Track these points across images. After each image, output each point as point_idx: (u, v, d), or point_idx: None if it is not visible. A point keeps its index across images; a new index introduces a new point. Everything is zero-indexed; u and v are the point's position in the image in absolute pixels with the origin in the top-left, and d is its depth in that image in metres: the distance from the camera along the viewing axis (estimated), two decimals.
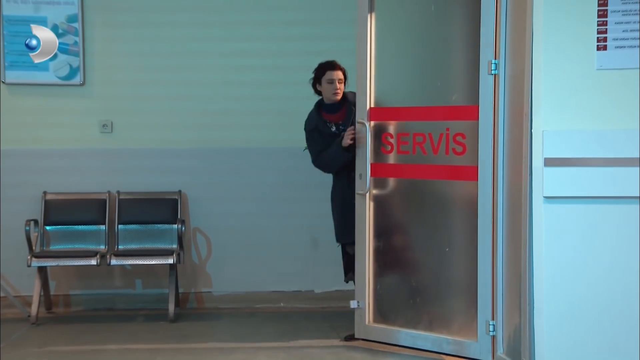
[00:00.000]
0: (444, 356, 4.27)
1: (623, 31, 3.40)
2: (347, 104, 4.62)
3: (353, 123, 4.52)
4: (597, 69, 3.44)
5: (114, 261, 5.24)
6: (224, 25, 5.63)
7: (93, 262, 5.19)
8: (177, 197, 5.58)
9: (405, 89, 4.40)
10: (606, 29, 3.41)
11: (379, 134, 4.45)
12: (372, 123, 4.47)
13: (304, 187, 5.67)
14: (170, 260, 5.23)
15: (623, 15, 3.39)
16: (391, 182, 4.48)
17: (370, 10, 4.45)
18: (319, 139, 4.67)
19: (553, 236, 3.48)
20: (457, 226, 4.23)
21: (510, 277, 3.91)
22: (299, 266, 5.69)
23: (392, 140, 4.39)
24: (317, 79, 4.67)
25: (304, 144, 5.70)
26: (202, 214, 5.66)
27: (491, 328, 4.04)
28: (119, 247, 5.48)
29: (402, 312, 4.43)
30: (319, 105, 4.71)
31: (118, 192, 5.57)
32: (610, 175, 3.43)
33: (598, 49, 3.43)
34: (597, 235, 3.49)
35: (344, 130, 4.58)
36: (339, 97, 4.59)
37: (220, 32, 5.62)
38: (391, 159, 4.44)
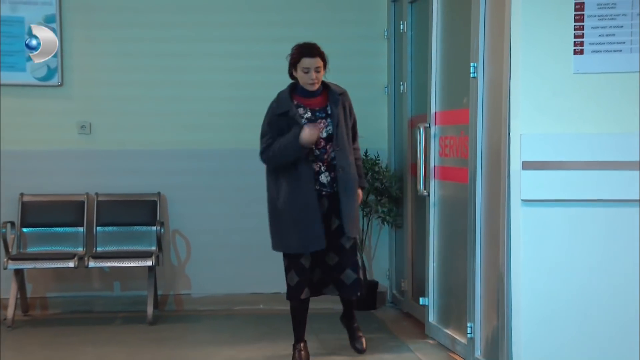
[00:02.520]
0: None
1: (599, 36, 3.44)
2: (330, 91, 4.15)
3: (335, 116, 4.09)
4: (574, 73, 3.47)
5: (92, 263, 5.20)
6: (203, 26, 5.61)
7: (71, 264, 5.15)
8: (156, 199, 5.55)
9: (455, 94, 4.40)
10: (583, 33, 3.44)
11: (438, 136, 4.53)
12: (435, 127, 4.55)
13: None
14: (149, 263, 5.20)
15: (599, 20, 3.43)
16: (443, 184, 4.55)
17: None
18: (283, 126, 4.08)
19: (531, 239, 3.51)
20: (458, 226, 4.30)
21: (489, 279, 3.93)
22: (279, 268, 5.63)
23: (448, 143, 4.44)
24: (292, 65, 4.13)
25: None
26: (182, 216, 5.64)
27: (469, 330, 4.06)
28: (97, 249, 5.44)
29: None
30: (293, 87, 4.17)
31: (96, 194, 5.53)
32: (588, 179, 3.46)
33: (575, 53, 3.46)
34: (575, 239, 3.51)
35: (324, 118, 4.11)
36: (316, 87, 4.10)
37: (200, 33, 5.60)
38: (445, 162, 4.48)
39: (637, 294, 3.45)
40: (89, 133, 5.58)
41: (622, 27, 3.42)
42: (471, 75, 4.02)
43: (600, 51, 3.44)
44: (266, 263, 5.65)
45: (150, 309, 5.20)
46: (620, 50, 3.43)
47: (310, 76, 4.08)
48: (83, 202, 5.48)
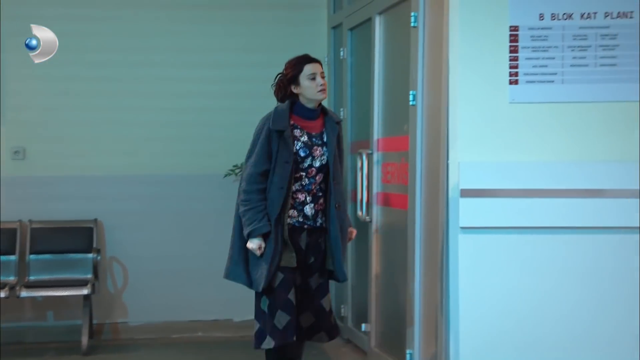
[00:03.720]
0: None
1: (533, 66, 3.52)
2: (328, 117, 3.73)
3: (331, 145, 3.68)
4: (510, 102, 3.54)
5: (24, 293, 5.05)
6: (140, 51, 5.55)
7: (2, 294, 4.99)
8: (92, 226, 5.43)
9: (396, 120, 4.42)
10: (517, 64, 3.52)
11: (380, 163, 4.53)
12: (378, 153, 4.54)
13: (223, 213, 5.59)
14: (85, 291, 5.08)
15: (533, 51, 3.51)
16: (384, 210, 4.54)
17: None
18: (274, 146, 3.58)
19: (469, 266, 3.54)
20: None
21: (428, 306, 3.95)
22: (218, 294, 5.60)
23: (390, 170, 4.44)
24: (292, 80, 3.66)
25: (224, 170, 5.70)
26: (119, 243, 5.53)
27: (408, 357, 4.07)
28: (30, 277, 5.28)
29: None
30: (292, 104, 3.68)
31: (30, 221, 5.38)
32: (525, 206, 3.52)
33: (510, 82, 3.54)
34: (513, 265, 3.56)
35: (320, 146, 3.67)
36: (325, 95, 3.68)
37: (137, 58, 5.54)
38: (386, 188, 4.48)
39: (575, 319, 3.51)
40: (23, 159, 5.44)
41: (554, 58, 3.51)
42: (410, 102, 4.07)
43: (534, 81, 3.52)
44: (205, 289, 5.59)
45: (85, 339, 5.06)
46: (553, 81, 3.52)
47: (319, 82, 3.65)
48: (15, 230, 5.32)
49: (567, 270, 3.52)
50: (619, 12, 3.47)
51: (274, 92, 3.71)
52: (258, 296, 3.69)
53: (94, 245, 5.36)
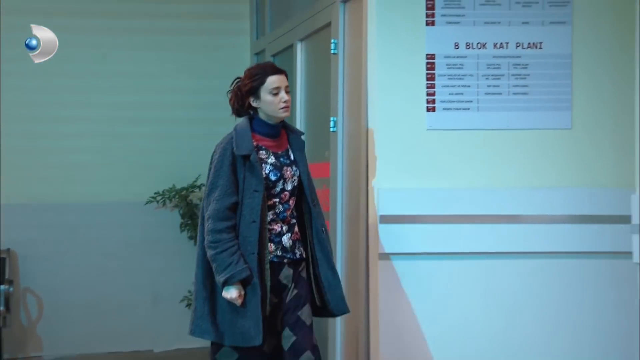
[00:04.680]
0: None
1: (449, 94, 3.58)
2: (291, 132, 3.29)
3: (301, 162, 3.24)
4: (428, 129, 3.59)
5: None
6: (63, 76, 5.41)
7: None
8: (4, 256, 5.23)
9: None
10: (434, 91, 3.58)
11: None
12: None
13: (143, 242, 5.50)
14: None
15: (449, 79, 3.58)
16: None
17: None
18: (239, 174, 3.09)
19: (388, 293, 3.55)
20: None
21: (349, 333, 3.94)
22: (138, 324, 5.48)
23: None
24: (251, 92, 3.16)
25: (145, 198, 5.59)
26: (33, 273, 5.33)
27: None
28: None
29: None
30: (250, 121, 3.20)
31: None
32: (443, 232, 3.55)
33: (428, 110, 3.59)
34: (432, 291, 3.58)
35: (289, 166, 3.21)
36: (289, 113, 3.19)
37: (50, 84, 5.40)
38: None
39: (496, 344, 3.55)
40: None
41: (469, 86, 3.58)
42: (331, 129, 4.08)
43: (451, 109, 3.59)
44: (124, 319, 5.45)
45: None
46: (468, 109, 3.59)
47: (283, 97, 3.14)
48: None
49: (486, 295, 3.56)
50: (529, 43, 3.57)
51: (229, 101, 3.22)
52: (216, 348, 3.12)
53: (6, 277, 5.16)
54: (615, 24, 3.54)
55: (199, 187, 5.53)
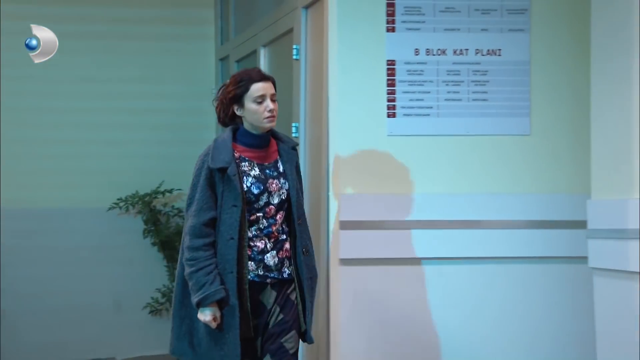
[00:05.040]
0: None
1: (410, 100, 3.60)
2: (282, 142, 3.06)
3: (290, 175, 3.02)
4: (388, 135, 3.60)
5: None
6: (26, 80, 5.34)
7: None
8: None
9: None
10: (395, 97, 3.60)
11: None
12: None
13: (105, 248, 5.45)
14: None
15: (409, 85, 3.59)
16: None
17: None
18: (217, 189, 2.91)
19: (349, 298, 3.55)
20: None
21: None
22: (100, 332, 5.42)
23: None
24: (235, 100, 2.96)
25: (106, 204, 5.55)
26: None
27: None
28: None
29: None
30: (234, 132, 3.00)
31: None
32: (403, 238, 3.56)
33: (388, 116, 3.60)
34: (392, 297, 3.59)
35: (276, 178, 2.99)
36: (274, 123, 2.98)
37: (24, 87, 5.33)
38: None
39: (454, 348, 3.56)
40: None
41: (429, 92, 3.60)
42: (293, 134, 4.08)
43: (411, 115, 3.60)
44: (86, 327, 5.37)
45: None
46: (429, 115, 3.61)
47: (268, 106, 2.93)
48: None
49: (445, 300, 3.58)
50: (488, 50, 3.61)
51: (216, 109, 3.03)
52: None
53: None
54: (571, 32, 3.59)
55: (163, 193, 5.50)
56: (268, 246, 2.97)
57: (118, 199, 5.46)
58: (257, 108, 2.93)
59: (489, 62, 3.61)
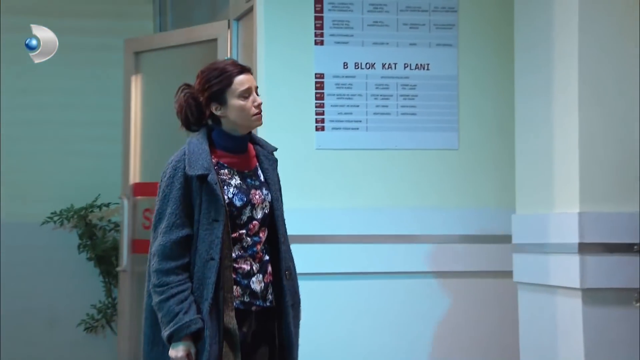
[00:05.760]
0: None
1: (338, 114, 3.59)
2: (260, 147, 2.64)
3: (273, 184, 2.61)
4: (317, 149, 3.58)
5: None
6: None
7: None
8: None
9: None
10: (323, 110, 3.58)
11: (140, 209, 4.28)
12: (135, 198, 4.30)
13: (39, 264, 5.32)
14: None
15: (338, 99, 3.58)
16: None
17: (136, 81, 4.32)
18: (195, 200, 2.46)
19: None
20: None
21: None
22: (34, 349, 5.28)
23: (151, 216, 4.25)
24: (215, 97, 2.50)
25: (40, 218, 5.43)
26: None
27: None
28: None
29: None
30: (209, 132, 2.55)
31: None
32: (332, 252, 3.54)
33: (317, 129, 3.58)
34: (323, 312, 3.55)
35: (258, 188, 2.55)
36: (261, 122, 2.56)
37: None
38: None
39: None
40: None
41: (358, 106, 3.59)
42: None
43: (340, 128, 3.59)
44: (18, 345, 5.22)
45: None
46: (357, 128, 3.60)
47: (256, 100, 2.51)
48: None
49: (373, 314, 3.55)
50: (417, 64, 3.62)
51: (177, 113, 2.54)
52: None
53: None
54: (498, 47, 3.62)
55: (99, 207, 5.40)
56: (254, 269, 2.52)
57: (52, 213, 5.33)
58: (244, 104, 2.49)
59: (418, 76, 3.62)
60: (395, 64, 3.61)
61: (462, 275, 3.58)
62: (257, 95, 2.54)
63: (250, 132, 2.59)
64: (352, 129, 3.60)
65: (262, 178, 2.58)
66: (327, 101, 3.58)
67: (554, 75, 3.11)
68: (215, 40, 4.05)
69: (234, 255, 2.47)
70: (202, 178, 2.45)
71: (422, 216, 3.59)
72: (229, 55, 3.97)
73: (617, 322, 2.85)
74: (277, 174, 2.65)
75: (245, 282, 2.50)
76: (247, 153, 2.58)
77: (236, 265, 2.48)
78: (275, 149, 2.69)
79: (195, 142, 2.50)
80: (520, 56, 3.31)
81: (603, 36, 2.95)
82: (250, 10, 3.75)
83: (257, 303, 2.52)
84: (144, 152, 4.39)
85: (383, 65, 3.60)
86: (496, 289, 3.56)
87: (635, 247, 2.77)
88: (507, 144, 3.55)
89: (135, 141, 4.36)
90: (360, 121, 3.60)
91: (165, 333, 2.42)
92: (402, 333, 3.56)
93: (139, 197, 4.36)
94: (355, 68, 3.59)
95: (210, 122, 2.55)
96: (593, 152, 2.93)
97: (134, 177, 4.37)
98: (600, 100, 2.95)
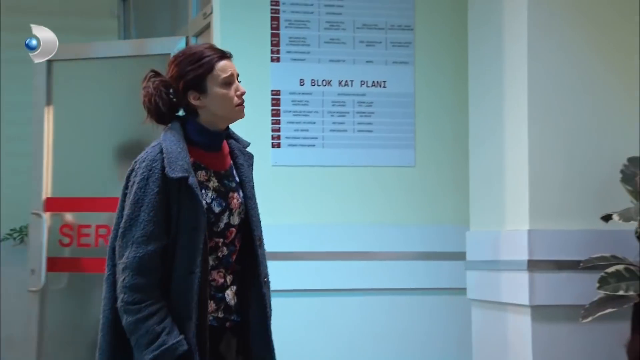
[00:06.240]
0: None
1: (295, 130, 3.58)
2: (234, 143, 2.35)
3: (249, 185, 2.35)
4: (273, 166, 3.57)
5: None
6: None
7: None
8: None
9: (88, 178, 4.23)
10: (279, 127, 3.57)
11: (57, 225, 4.20)
12: (49, 214, 4.20)
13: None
14: None
15: (294, 115, 3.58)
16: (69, 276, 4.22)
17: (48, 93, 4.22)
18: (172, 207, 2.17)
19: None
20: None
21: None
22: None
23: (71, 233, 4.19)
24: (193, 84, 2.21)
25: None
26: None
27: None
28: None
29: None
30: (182, 125, 2.25)
31: None
32: (285, 269, 3.51)
33: (273, 146, 3.58)
34: (280, 329, 3.50)
35: (234, 191, 2.29)
36: (244, 112, 2.27)
37: None
38: (70, 252, 4.21)
39: None
40: None
41: (314, 123, 3.59)
42: None
43: (296, 145, 3.58)
44: None
45: None
46: (314, 145, 3.59)
47: (239, 88, 2.24)
48: None
49: (324, 332, 3.53)
50: (373, 81, 3.63)
51: (144, 103, 2.24)
52: None
53: None
54: (454, 65, 3.64)
55: None
56: (227, 280, 2.26)
57: (12, 230, 5.27)
58: (227, 92, 2.20)
59: (374, 93, 3.63)
60: (352, 81, 3.62)
61: (419, 293, 3.57)
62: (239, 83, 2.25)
63: (228, 127, 2.31)
64: (309, 145, 3.59)
65: (237, 178, 2.32)
66: (283, 118, 3.57)
67: (504, 96, 3.14)
68: (168, 54, 4.03)
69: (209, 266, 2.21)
70: (183, 180, 2.15)
71: (379, 233, 3.59)
72: None
73: (565, 339, 2.86)
74: (252, 171, 2.37)
75: (220, 295, 2.24)
76: (222, 150, 2.30)
77: (209, 278, 2.21)
78: (249, 144, 2.40)
79: (172, 139, 2.18)
80: (473, 77, 3.35)
81: (550, 59, 3.00)
82: (208, 26, 3.75)
83: (232, 318, 2.26)
84: (56, 167, 4.28)
85: (340, 82, 3.61)
86: (453, 306, 3.55)
87: (581, 264, 2.79)
88: (464, 161, 3.56)
89: (47, 155, 4.24)
90: (317, 138, 3.60)
91: (148, 357, 2.10)
92: (358, 350, 3.55)
93: (53, 213, 4.24)
94: (311, 85, 3.60)
95: (182, 114, 2.26)
96: (542, 171, 2.95)
97: (46, 191, 4.27)
98: (548, 120, 2.98)
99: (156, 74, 2.25)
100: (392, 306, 3.57)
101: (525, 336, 2.88)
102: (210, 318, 2.21)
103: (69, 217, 4.18)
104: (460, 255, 3.49)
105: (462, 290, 3.42)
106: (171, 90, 2.21)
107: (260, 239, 2.34)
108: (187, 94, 2.20)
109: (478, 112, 3.33)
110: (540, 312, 2.87)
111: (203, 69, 2.19)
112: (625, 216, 2.60)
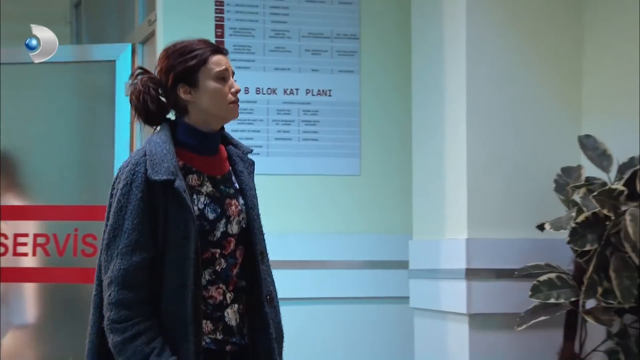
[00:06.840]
0: None
1: (239, 139, 3.51)
2: (233, 147, 2.24)
3: (250, 191, 2.19)
4: None
5: None
6: None
7: None
8: None
9: (34, 184, 4.16)
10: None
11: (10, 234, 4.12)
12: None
13: None
14: None
15: (238, 124, 3.53)
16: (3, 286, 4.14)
17: None
18: (156, 213, 1.98)
19: None
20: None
21: None
22: None
23: (6, 242, 4.12)
24: (184, 78, 2.05)
25: None
26: None
27: None
28: None
29: None
30: (171, 126, 2.10)
31: None
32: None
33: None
34: None
35: (234, 197, 2.12)
36: (238, 112, 2.16)
37: None
38: (5, 262, 4.12)
39: None
40: None
41: (259, 131, 3.58)
42: None
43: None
44: None
45: None
46: (258, 154, 3.57)
47: (233, 85, 2.11)
48: None
49: (287, 339, 3.49)
50: (319, 90, 3.63)
51: (131, 101, 2.07)
52: None
53: None
54: (399, 75, 3.64)
55: None
56: (227, 297, 2.05)
57: None
58: (220, 87, 2.04)
59: (320, 102, 3.63)
60: (297, 89, 3.61)
61: (366, 301, 3.56)
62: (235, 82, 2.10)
63: (222, 129, 2.16)
64: (253, 154, 3.54)
65: (236, 185, 2.14)
66: (227, 126, 3.52)
67: (444, 106, 3.17)
68: (113, 61, 4.00)
69: (204, 281, 2.01)
70: (168, 184, 1.96)
71: (325, 242, 3.58)
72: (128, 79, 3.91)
73: (501, 347, 2.88)
74: (253, 179, 2.21)
75: (218, 314, 2.03)
76: (218, 154, 2.13)
77: (206, 294, 2.01)
78: (251, 151, 2.25)
79: (157, 141, 2.01)
80: (416, 87, 3.37)
81: (489, 70, 3.03)
82: (154, 34, 3.73)
83: (233, 340, 2.05)
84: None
85: (285, 91, 3.60)
86: (398, 314, 3.55)
87: (516, 272, 2.81)
88: (409, 170, 3.58)
89: None
90: (262, 146, 3.59)
91: None
92: (303, 358, 3.53)
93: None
94: (256, 93, 3.58)
95: (173, 116, 2.09)
96: (480, 181, 2.98)
97: None
98: (486, 130, 3.01)
99: (144, 70, 2.09)
100: (339, 315, 3.56)
101: (463, 344, 2.89)
102: (208, 340, 2.01)
103: (3, 225, 4.11)
104: (405, 264, 3.50)
105: (407, 299, 3.43)
106: (160, 90, 2.05)
107: (263, 254, 2.15)
108: (177, 87, 2.03)
109: (420, 122, 3.35)
110: (478, 320, 2.89)
111: (196, 60, 2.03)
112: (557, 225, 2.63)
